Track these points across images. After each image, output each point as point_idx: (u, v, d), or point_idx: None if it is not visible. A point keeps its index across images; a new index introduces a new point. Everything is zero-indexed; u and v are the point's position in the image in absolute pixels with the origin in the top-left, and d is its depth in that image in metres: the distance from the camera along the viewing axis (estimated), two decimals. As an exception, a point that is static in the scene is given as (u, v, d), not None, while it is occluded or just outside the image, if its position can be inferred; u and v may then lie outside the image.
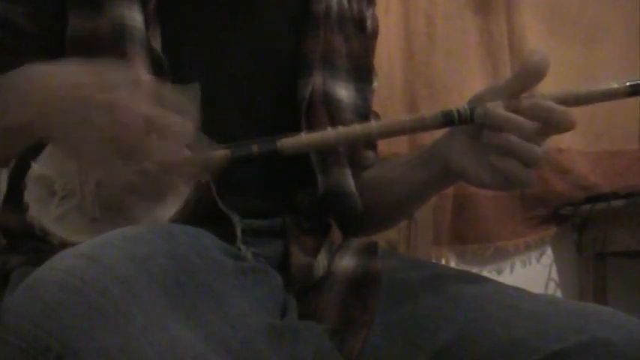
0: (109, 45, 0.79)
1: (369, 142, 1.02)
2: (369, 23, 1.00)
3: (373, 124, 0.82)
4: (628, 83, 0.79)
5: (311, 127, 0.86)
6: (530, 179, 0.76)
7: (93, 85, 0.66)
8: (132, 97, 0.65)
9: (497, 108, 0.76)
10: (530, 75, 0.77)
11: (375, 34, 1.02)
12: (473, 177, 0.80)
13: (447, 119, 0.78)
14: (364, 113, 0.96)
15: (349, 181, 0.91)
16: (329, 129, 0.77)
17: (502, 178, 0.77)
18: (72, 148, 0.69)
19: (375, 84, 1.02)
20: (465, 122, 0.78)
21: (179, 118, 0.66)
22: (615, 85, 0.79)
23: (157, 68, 0.79)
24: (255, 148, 0.71)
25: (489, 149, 0.77)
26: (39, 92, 0.70)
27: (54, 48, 0.81)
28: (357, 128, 0.79)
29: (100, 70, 0.68)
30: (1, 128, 0.72)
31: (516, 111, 0.76)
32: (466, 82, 2.37)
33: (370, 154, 1.03)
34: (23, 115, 0.70)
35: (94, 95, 0.65)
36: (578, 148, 2.41)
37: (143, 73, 0.67)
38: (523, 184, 0.77)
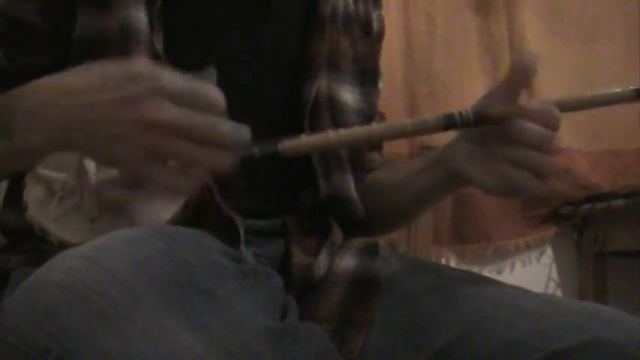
0: (116, 45, 0.79)
1: (373, 143, 1.01)
2: (375, 25, 1.00)
3: (375, 127, 0.82)
4: (632, 88, 0.79)
5: (314, 130, 0.86)
6: (538, 189, 0.76)
7: (116, 101, 0.63)
8: (157, 109, 0.62)
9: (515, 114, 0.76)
10: (520, 73, 0.77)
11: (381, 35, 1.02)
12: (478, 182, 0.80)
13: (449, 122, 0.78)
14: (369, 116, 0.95)
15: (350, 186, 0.91)
16: (330, 131, 0.77)
17: (509, 186, 0.77)
18: (108, 162, 0.67)
19: (380, 85, 1.02)
20: (467, 125, 0.78)
21: (208, 117, 0.64)
22: (619, 90, 0.79)
23: None
24: (256, 150, 0.71)
25: (497, 156, 0.77)
26: (62, 112, 0.65)
27: (64, 46, 0.81)
28: (358, 130, 0.79)
29: (119, 79, 0.64)
30: (19, 147, 0.68)
31: (523, 116, 0.76)
32: (466, 81, 2.37)
33: (376, 155, 1.03)
34: (47, 134, 0.66)
35: (118, 113, 0.63)
36: (578, 148, 2.41)
37: (160, 72, 0.64)
38: (531, 194, 0.77)
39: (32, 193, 0.73)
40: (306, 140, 0.76)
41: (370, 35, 0.99)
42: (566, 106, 0.79)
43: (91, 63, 0.67)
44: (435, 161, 0.87)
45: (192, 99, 0.63)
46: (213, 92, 0.64)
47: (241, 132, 0.65)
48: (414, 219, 1.08)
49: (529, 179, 0.76)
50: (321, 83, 0.90)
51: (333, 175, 0.90)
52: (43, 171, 0.74)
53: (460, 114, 0.78)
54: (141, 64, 0.65)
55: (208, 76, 0.67)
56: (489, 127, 0.79)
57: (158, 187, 0.66)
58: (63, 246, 0.62)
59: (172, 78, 0.64)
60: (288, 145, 0.74)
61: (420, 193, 0.92)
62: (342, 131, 0.77)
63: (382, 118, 1.04)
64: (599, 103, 0.81)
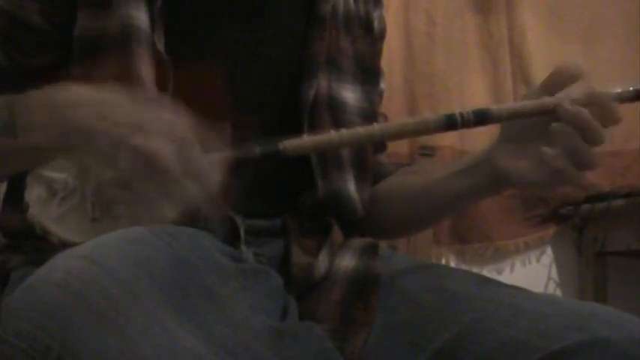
0: (117, 45, 0.79)
1: (377, 144, 1.01)
2: (375, 24, 1.00)
3: (376, 127, 0.82)
4: (631, 88, 0.79)
5: (314, 129, 0.86)
6: (579, 179, 0.77)
7: (129, 126, 0.65)
8: (162, 148, 0.64)
9: (565, 103, 0.76)
10: (559, 79, 0.78)
11: (382, 35, 1.02)
12: (520, 179, 0.81)
13: (450, 122, 0.78)
14: (371, 116, 0.95)
15: (350, 187, 0.91)
16: (332, 131, 0.77)
17: (548, 177, 0.78)
18: (82, 173, 0.69)
19: (382, 85, 1.02)
20: (468, 125, 0.78)
21: (201, 182, 0.66)
22: (619, 90, 0.79)
23: (160, 70, 0.79)
24: (257, 150, 0.71)
25: (536, 150, 0.77)
26: (72, 115, 0.68)
27: (65, 46, 0.81)
28: (359, 131, 0.79)
29: (140, 109, 0.67)
30: (23, 148, 0.71)
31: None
32: (466, 81, 2.37)
33: (382, 157, 1.03)
34: (50, 136, 0.68)
35: (126, 137, 0.65)
36: (578, 148, 2.41)
37: (181, 119, 0.66)
38: (573, 184, 0.78)
39: (33, 193, 0.73)
40: (307, 140, 0.76)
41: (371, 34, 0.99)
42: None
43: (99, 67, 0.69)
44: (474, 164, 0.87)
45: (194, 165, 0.66)
46: (213, 177, 0.67)
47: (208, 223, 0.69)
48: (438, 223, 1.08)
49: (572, 168, 0.76)
50: (321, 83, 0.90)
51: (332, 175, 0.90)
52: (45, 171, 0.74)
53: (461, 114, 0.78)
54: (168, 105, 0.67)
55: (223, 133, 0.70)
56: (526, 124, 0.79)
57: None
58: (64, 246, 0.62)
59: (190, 137, 0.66)
60: (289, 144, 0.74)
61: (454, 197, 0.91)
62: (343, 131, 0.77)
63: (384, 118, 1.04)
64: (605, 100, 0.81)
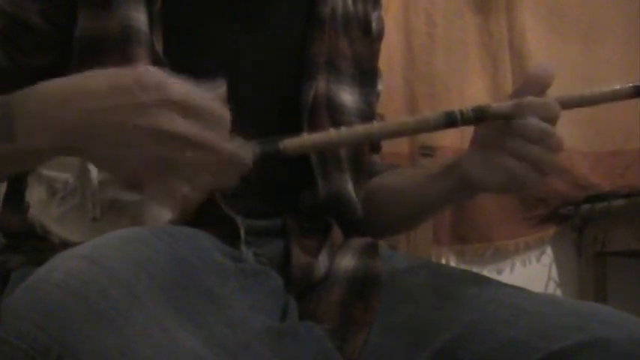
0: (116, 46, 0.79)
1: (373, 144, 1.02)
2: (374, 26, 1.00)
3: (375, 125, 0.82)
4: (631, 84, 0.79)
5: (313, 131, 0.86)
6: (538, 185, 0.77)
7: (126, 108, 0.64)
8: (165, 118, 0.64)
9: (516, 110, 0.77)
10: (533, 85, 0.78)
11: (380, 36, 1.02)
12: (481, 182, 0.82)
13: (450, 120, 0.78)
14: (368, 117, 0.95)
15: (349, 187, 0.91)
16: (332, 130, 0.77)
17: (508, 181, 0.78)
18: (111, 168, 0.68)
19: (380, 87, 1.02)
20: (468, 123, 0.78)
21: (212, 134, 0.65)
22: (619, 87, 0.79)
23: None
24: (257, 149, 0.71)
25: (499, 152, 0.78)
26: (70, 116, 0.66)
27: (65, 47, 0.81)
28: (359, 129, 0.79)
29: (128, 86, 0.65)
30: (21, 149, 0.69)
31: (522, 111, 0.77)
32: (466, 81, 2.37)
33: (376, 158, 1.03)
34: (52, 139, 0.67)
35: (126, 120, 0.64)
36: (578, 148, 2.41)
37: (171, 82, 0.65)
38: (531, 189, 0.78)
39: (34, 193, 0.73)
40: (307, 139, 0.76)
41: (369, 36, 0.99)
42: (567, 103, 0.80)
43: (99, 68, 0.67)
44: (446, 168, 0.88)
45: (200, 113, 0.65)
46: (220, 109, 0.66)
47: (246, 151, 0.67)
48: (419, 224, 1.08)
49: (529, 173, 0.77)
50: (320, 84, 0.90)
51: (332, 175, 0.90)
52: (45, 171, 0.74)
53: (460, 112, 0.78)
54: (152, 73, 0.65)
55: (219, 87, 0.68)
56: (495, 127, 0.79)
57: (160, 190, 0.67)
58: (64, 245, 0.62)
59: (183, 89, 0.65)
60: (289, 143, 0.74)
61: (430, 200, 0.92)
62: (343, 130, 0.78)
63: (382, 120, 1.04)
64: (599, 100, 0.81)
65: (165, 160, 0.64)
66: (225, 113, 0.66)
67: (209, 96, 0.66)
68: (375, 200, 0.96)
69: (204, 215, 0.76)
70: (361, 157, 0.95)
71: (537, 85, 0.79)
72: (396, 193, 0.97)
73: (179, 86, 0.65)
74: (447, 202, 0.94)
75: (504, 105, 0.79)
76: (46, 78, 0.71)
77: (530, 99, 0.78)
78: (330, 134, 0.77)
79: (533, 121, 0.76)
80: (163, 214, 0.72)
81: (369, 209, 0.95)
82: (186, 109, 0.64)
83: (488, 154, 0.80)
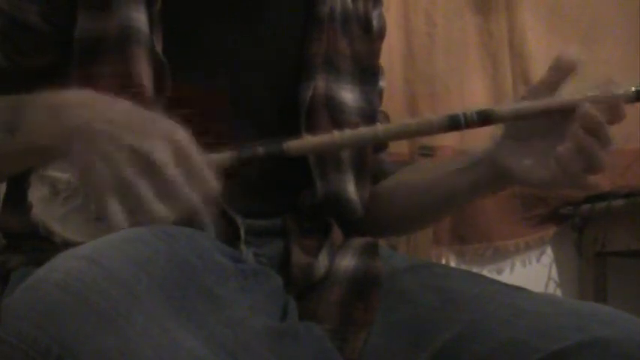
0: (116, 47, 0.79)
1: (378, 144, 1.02)
2: (375, 23, 1.00)
3: (379, 127, 0.82)
4: (633, 89, 0.79)
5: (312, 130, 0.86)
6: (583, 182, 0.78)
7: (131, 129, 0.67)
8: (160, 148, 0.66)
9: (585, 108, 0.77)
10: (559, 71, 0.78)
11: (381, 34, 1.02)
12: (521, 175, 0.82)
13: (453, 123, 0.78)
14: (370, 115, 0.95)
15: (349, 187, 0.91)
16: (335, 132, 0.78)
17: (553, 177, 0.78)
18: (84, 175, 0.69)
19: (382, 84, 1.02)
20: (471, 126, 0.78)
21: (199, 183, 0.67)
22: (621, 91, 0.79)
23: (159, 71, 0.79)
24: (261, 150, 0.71)
25: (542, 148, 0.78)
26: (82, 116, 0.69)
27: (64, 47, 0.81)
28: (363, 131, 0.79)
29: (147, 118, 0.68)
30: (27, 145, 0.71)
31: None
32: (466, 81, 2.37)
33: (384, 156, 1.03)
34: (52, 135, 0.69)
35: (127, 139, 0.66)
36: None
37: (182, 132, 0.67)
38: (575, 186, 0.78)
39: (37, 193, 0.73)
40: (310, 140, 0.76)
41: (370, 34, 0.99)
42: (569, 107, 0.80)
43: (98, 68, 0.69)
44: (477, 161, 0.87)
45: (193, 168, 0.66)
46: (211, 178, 0.67)
47: (204, 218, 0.71)
48: (439, 220, 1.09)
49: (579, 171, 0.77)
50: (319, 84, 0.90)
51: (330, 175, 0.90)
52: (48, 171, 0.74)
53: (464, 115, 0.78)
54: (170, 121, 0.68)
55: (222, 159, 0.72)
56: (531, 123, 0.80)
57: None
58: (67, 245, 0.62)
59: (190, 141, 0.67)
60: (293, 145, 0.74)
61: (455, 194, 0.92)
62: (347, 132, 0.78)
63: (385, 117, 1.04)
64: (601, 103, 0.81)
65: (131, 183, 0.65)
66: (214, 185, 0.67)
67: (209, 161, 0.69)
68: (399, 198, 0.96)
69: (202, 217, 0.76)
70: (365, 157, 0.94)
71: (564, 70, 0.79)
72: (418, 188, 0.96)
73: (187, 137, 0.67)
74: (475, 195, 0.93)
75: (508, 108, 0.79)
76: (45, 79, 0.71)
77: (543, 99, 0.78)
78: (334, 136, 0.77)
79: (594, 111, 0.76)
80: (164, 215, 0.72)
81: (390, 208, 0.95)
82: (181, 155, 0.66)
83: (532, 146, 0.80)
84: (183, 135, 0.67)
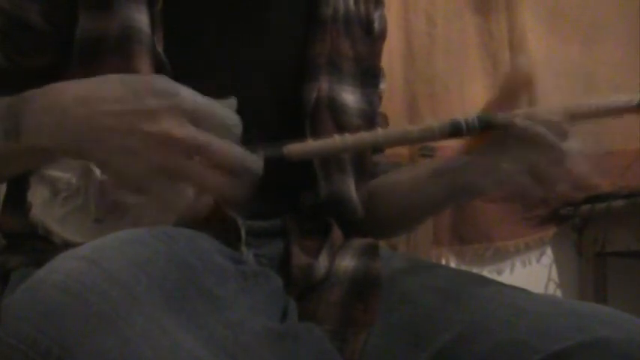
0: (117, 47, 0.79)
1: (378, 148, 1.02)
2: (376, 25, 1.00)
3: (380, 133, 0.83)
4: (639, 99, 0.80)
5: (315, 131, 0.86)
6: (548, 193, 0.78)
7: (134, 113, 0.63)
8: (174, 125, 0.63)
9: (523, 120, 0.77)
10: (517, 80, 0.79)
11: (382, 35, 1.02)
12: (483, 191, 0.83)
13: (455, 129, 0.78)
14: (370, 117, 0.96)
15: (350, 188, 0.92)
16: (336, 136, 0.78)
17: (512, 192, 0.79)
18: (116, 173, 0.67)
19: (383, 86, 1.02)
20: (473, 132, 0.78)
21: (223, 141, 0.64)
22: (627, 99, 0.80)
23: (160, 71, 0.79)
24: (261, 153, 0.71)
25: (504, 163, 0.79)
26: (79, 117, 0.66)
27: (65, 47, 0.80)
28: (364, 136, 0.79)
29: (139, 92, 0.64)
30: (25, 148, 0.69)
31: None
32: (466, 82, 2.37)
33: (380, 158, 1.03)
34: (58, 139, 0.67)
35: (135, 125, 0.63)
36: (578, 148, 2.41)
37: (182, 89, 0.64)
38: (540, 196, 0.79)
39: (36, 194, 0.73)
40: (311, 145, 0.76)
41: (371, 35, 0.99)
42: (572, 116, 0.80)
43: (99, 68, 0.67)
44: (445, 170, 0.88)
45: (209, 120, 0.64)
46: (231, 116, 0.65)
47: (254, 161, 0.66)
48: (422, 221, 1.09)
49: (535, 185, 0.77)
50: (322, 85, 0.90)
51: (334, 176, 0.90)
52: (48, 171, 0.74)
53: (466, 121, 0.78)
54: (162, 80, 0.65)
55: (229, 105, 0.67)
56: (495, 136, 0.80)
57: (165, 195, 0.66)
58: (67, 246, 0.61)
59: (194, 97, 0.64)
60: (294, 149, 0.74)
61: (435, 197, 0.93)
62: (348, 137, 0.78)
63: (384, 119, 1.04)
64: (604, 113, 0.82)
65: (172, 166, 0.63)
66: (236, 122, 0.65)
67: (220, 105, 0.66)
68: (377, 197, 0.96)
69: (204, 216, 0.76)
70: (364, 158, 0.95)
71: (522, 79, 0.79)
72: (397, 189, 0.97)
73: (190, 94, 0.64)
74: (449, 201, 0.94)
75: (510, 115, 0.79)
76: (45, 79, 0.71)
77: (538, 109, 0.78)
78: (335, 140, 0.77)
79: (542, 130, 0.77)
80: (165, 216, 0.72)
81: (372, 207, 0.95)
82: (196, 117, 0.64)
83: (491, 163, 0.81)
84: (186, 95, 0.64)
